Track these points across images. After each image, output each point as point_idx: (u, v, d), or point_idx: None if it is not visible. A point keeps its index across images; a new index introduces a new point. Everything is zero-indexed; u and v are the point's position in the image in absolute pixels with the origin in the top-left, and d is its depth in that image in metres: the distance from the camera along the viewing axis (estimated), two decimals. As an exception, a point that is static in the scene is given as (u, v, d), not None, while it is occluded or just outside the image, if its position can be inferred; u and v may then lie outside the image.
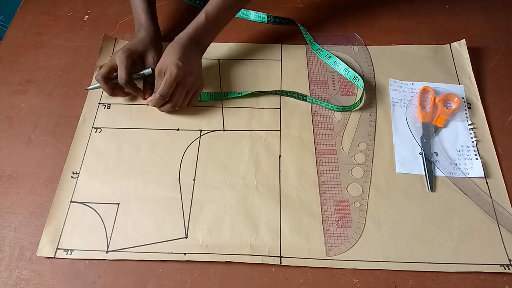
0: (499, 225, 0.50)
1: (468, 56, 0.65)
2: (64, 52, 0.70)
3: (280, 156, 0.57)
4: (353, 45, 0.68)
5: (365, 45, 0.68)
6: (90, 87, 0.62)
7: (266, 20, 0.72)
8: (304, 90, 0.63)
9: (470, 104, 0.61)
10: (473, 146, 0.56)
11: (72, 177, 0.56)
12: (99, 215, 0.52)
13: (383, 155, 0.56)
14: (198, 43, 0.60)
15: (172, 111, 0.61)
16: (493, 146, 0.56)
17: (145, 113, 0.62)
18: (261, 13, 0.72)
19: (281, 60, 0.67)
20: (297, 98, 0.62)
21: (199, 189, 0.54)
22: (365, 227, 0.51)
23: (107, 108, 0.62)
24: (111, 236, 0.51)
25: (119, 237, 0.51)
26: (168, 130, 0.60)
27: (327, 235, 0.50)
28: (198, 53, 0.60)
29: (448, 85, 0.62)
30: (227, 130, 0.59)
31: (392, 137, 0.58)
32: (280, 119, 0.60)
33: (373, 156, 0.56)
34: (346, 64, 0.64)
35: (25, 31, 0.73)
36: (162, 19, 0.71)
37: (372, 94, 0.62)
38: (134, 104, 0.63)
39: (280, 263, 0.49)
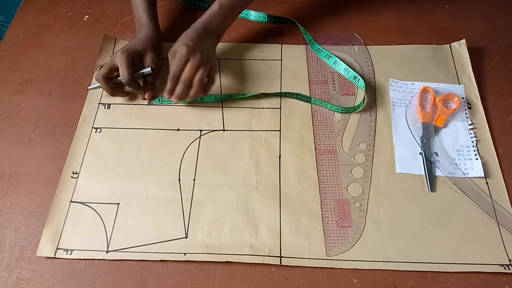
0: (499, 225, 0.50)
1: (468, 56, 0.65)
2: (64, 52, 0.70)
3: (280, 156, 0.57)
4: (353, 45, 0.68)
5: (365, 45, 0.68)
6: (90, 87, 0.62)
7: (266, 20, 0.72)
8: (304, 90, 0.63)
9: (470, 104, 0.61)
10: (473, 146, 0.56)
11: (72, 177, 0.56)
12: (99, 215, 0.52)
13: (383, 155, 0.56)
14: (212, 30, 0.62)
15: (175, 107, 0.61)
16: (493, 146, 0.56)
17: (145, 113, 0.62)
18: (261, 13, 0.72)
19: (281, 60, 0.67)
20: (301, 100, 0.62)
21: (199, 189, 0.54)
22: (365, 227, 0.51)
23: (107, 108, 0.62)
24: (111, 236, 0.51)
25: (119, 237, 0.51)
26: (168, 130, 0.60)
27: (327, 235, 0.50)
28: (211, 38, 0.62)
29: (448, 85, 0.62)
30: (227, 130, 0.59)
31: (392, 137, 0.58)
32: (280, 119, 0.60)
33: (373, 156, 0.56)
34: (346, 64, 0.64)
35: (25, 31, 0.73)
36: (162, 19, 0.71)
37: (372, 94, 0.62)
38: (134, 104, 0.63)
39: (280, 263, 0.49)
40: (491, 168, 0.55)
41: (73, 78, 0.66)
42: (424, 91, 0.61)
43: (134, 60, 0.59)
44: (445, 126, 0.58)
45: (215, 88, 0.64)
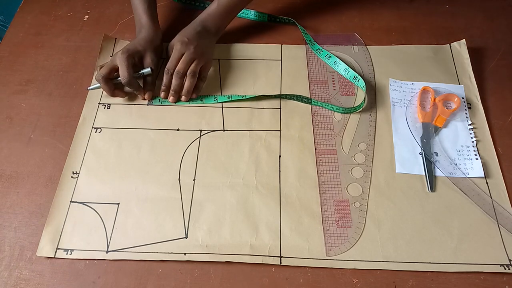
0: (499, 225, 0.50)
1: (468, 56, 0.65)
2: (64, 52, 0.70)
3: (280, 156, 0.57)
4: (353, 45, 0.68)
5: (365, 45, 0.68)
6: (90, 87, 0.62)
7: (266, 20, 0.72)
8: (304, 90, 0.63)
9: (470, 104, 0.61)
10: (473, 146, 0.56)
11: (72, 177, 0.56)
12: (99, 215, 0.52)
13: (383, 155, 0.56)
14: (209, 28, 0.64)
15: (175, 108, 0.61)
16: (493, 146, 0.56)
17: (145, 113, 0.62)
18: (262, 12, 0.72)
19: (281, 60, 0.67)
20: (302, 101, 0.62)
21: (199, 189, 0.54)
22: (365, 227, 0.51)
23: (107, 108, 0.62)
24: (111, 236, 0.51)
25: (119, 237, 0.51)
26: (168, 130, 0.60)
27: (327, 235, 0.50)
28: (208, 36, 0.64)
29: (448, 85, 0.62)
30: (227, 130, 0.59)
31: (392, 137, 0.58)
32: (280, 119, 0.60)
33: (373, 156, 0.56)
34: (346, 64, 0.64)
35: (25, 31, 0.73)
36: (161, 20, 0.71)
37: (372, 94, 0.62)
38: (134, 104, 0.63)
39: (280, 263, 0.49)
40: (491, 168, 0.55)
41: (73, 78, 0.66)
42: (424, 91, 0.61)
43: (135, 60, 0.59)
44: (445, 126, 0.58)
45: (215, 88, 0.64)
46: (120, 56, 0.58)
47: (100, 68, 0.60)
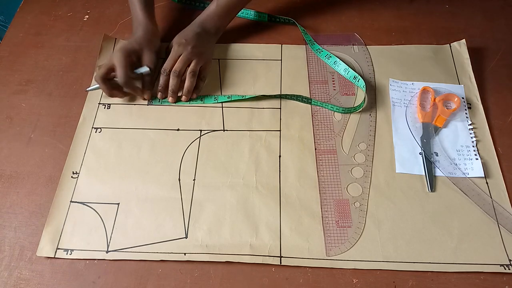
0: (499, 225, 0.50)
1: (468, 56, 0.65)
2: (64, 52, 0.70)
3: (280, 156, 0.57)
4: (353, 45, 0.68)
5: (365, 45, 0.68)
6: (89, 88, 0.62)
7: (266, 20, 0.72)
8: (304, 90, 0.63)
9: (470, 104, 0.61)
10: (473, 146, 0.56)
11: (72, 177, 0.56)
12: (99, 215, 0.52)
13: (383, 155, 0.56)
14: (208, 29, 0.64)
15: (175, 108, 0.61)
16: (493, 146, 0.56)
17: (145, 113, 0.62)
18: (261, 12, 0.72)
19: (281, 60, 0.67)
20: (302, 101, 0.62)
21: (199, 189, 0.54)
22: (365, 227, 0.51)
23: (107, 108, 0.62)
24: (111, 236, 0.51)
25: (119, 237, 0.51)
26: (168, 130, 0.60)
27: (327, 235, 0.50)
28: (207, 37, 0.64)
29: (448, 85, 0.62)
30: (227, 130, 0.59)
31: (392, 137, 0.58)
32: (280, 119, 0.60)
33: (373, 156, 0.56)
34: (346, 64, 0.64)
35: (25, 31, 0.73)
36: (160, 20, 0.71)
37: (372, 94, 0.62)
38: (134, 104, 0.63)
39: (280, 263, 0.49)
40: (491, 168, 0.55)
41: (73, 78, 0.66)
42: (424, 91, 0.61)
43: (132, 59, 0.59)
44: (445, 126, 0.58)
45: (215, 88, 0.64)
46: (117, 55, 0.57)
47: (99, 68, 0.59)
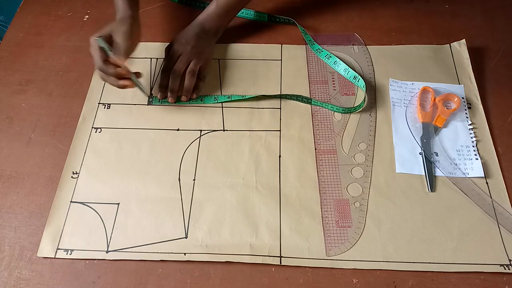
0: (499, 225, 0.50)
1: (468, 56, 0.65)
2: (64, 52, 0.70)
3: (280, 156, 0.57)
4: (353, 45, 0.68)
5: (365, 45, 0.68)
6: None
7: (266, 20, 0.72)
8: (304, 90, 0.63)
9: (470, 104, 0.61)
10: (473, 146, 0.56)
11: (72, 177, 0.56)
12: (99, 215, 0.52)
13: (383, 155, 0.56)
14: (208, 29, 0.63)
15: (175, 108, 0.61)
16: (493, 146, 0.56)
17: (145, 113, 0.62)
18: (261, 12, 0.72)
19: (281, 60, 0.67)
20: (302, 101, 0.62)
21: (199, 189, 0.54)
22: (365, 227, 0.51)
23: (107, 108, 0.62)
24: (111, 236, 0.51)
25: (119, 237, 0.51)
26: (168, 130, 0.60)
27: (327, 235, 0.50)
28: (207, 37, 0.63)
29: (448, 85, 0.62)
30: (227, 130, 0.59)
31: (392, 137, 0.58)
32: (280, 119, 0.60)
33: (373, 156, 0.56)
34: (346, 64, 0.64)
35: (25, 31, 0.73)
36: (160, 20, 0.71)
37: (372, 94, 0.62)
38: (134, 104, 0.63)
39: (280, 263, 0.49)
40: (491, 168, 0.55)
41: (73, 78, 0.66)
42: (424, 91, 0.61)
43: (107, 41, 0.55)
44: (445, 126, 0.58)
45: (215, 88, 0.64)
46: (90, 41, 0.54)
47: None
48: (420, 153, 0.56)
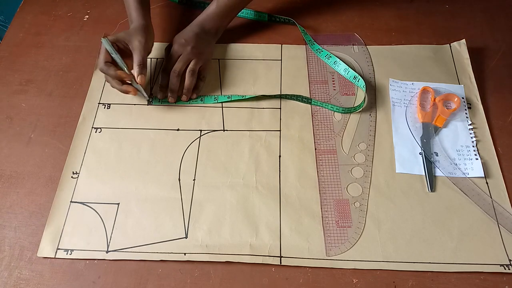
0: (499, 225, 0.50)
1: (468, 56, 0.65)
2: (64, 52, 0.70)
3: (280, 156, 0.57)
4: (353, 45, 0.68)
5: (365, 45, 0.68)
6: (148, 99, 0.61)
7: (266, 19, 0.72)
8: (304, 90, 0.63)
9: (470, 104, 0.61)
10: (473, 146, 0.56)
11: (72, 177, 0.56)
12: (99, 215, 0.52)
13: (383, 155, 0.56)
14: (208, 29, 0.64)
15: (175, 108, 0.61)
16: (493, 146, 0.56)
17: (145, 113, 0.62)
18: (261, 12, 0.72)
19: (281, 60, 0.67)
20: (302, 101, 0.62)
21: (199, 189, 0.54)
22: (365, 227, 0.51)
23: (107, 108, 0.62)
24: (111, 236, 0.51)
25: (119, 237, 0.51)
26: (168, 130, 0.60)
27: (327, 235, 0.50)
28: (207, 37, 0.63)
29: (448, 85, 0.62)
30: (227, 130, 0.59)
31: (392, 137, 0.58)
32: (280, 119, 0.60)
33: (373, 156, 0.56)
34: (346, 64, 0.64)
35: (25, 31, 0.73)
36: (160, 20, 0.71)
37: (372, 94, 0.62)
38: (134, 104, 0.63)
39: (280, 263, 0.49)
40: (491, 168, 0.55)
41: (73, 78, 0.66)
42: (424, 91, 0.61)
43: (119, 47, 0.57)
44: (445, 126, 0.58)
45: (215, 88, 0.64)
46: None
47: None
48: (420, 153, 0.56)
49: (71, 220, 0.52)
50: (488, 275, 0.47)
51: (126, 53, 0.58)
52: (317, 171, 0.55)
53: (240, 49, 0.68)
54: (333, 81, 0.64)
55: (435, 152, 0.56)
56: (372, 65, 0.65)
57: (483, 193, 0.52)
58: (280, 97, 0.62)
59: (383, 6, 0.74)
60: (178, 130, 0.60)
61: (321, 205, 0.53)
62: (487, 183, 0.54)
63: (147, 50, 0.59)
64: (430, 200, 0.52)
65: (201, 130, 0.59)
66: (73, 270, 0.49)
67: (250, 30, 0.71)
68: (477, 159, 0.55)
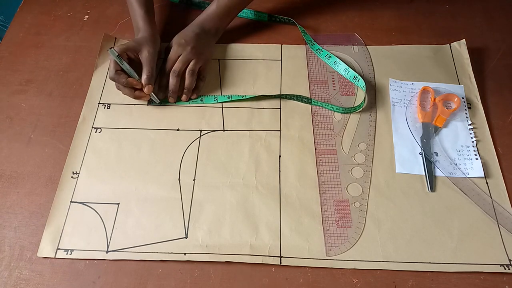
0: (499, 225, 0.50)
1: (468, 56, 0.65)
2: (64, 52, 0.70)
3: (280, 156, 0.57)
4: (353, 45, 0.68)
5: (365, 45, 0.68)
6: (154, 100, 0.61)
7: (266, 19, 0.72)
8: (304, 90, 0.63)
9: (470, 104, 0.61)
10: (473, 146, 0.56)
11: (72, 177, 0.56)
12: (99, 215, 0.52)
13: (383, 155, 0.56)
14: (208, 30, 0.64)
15: (175, 108, 0.61)
16: (493, 146, 0.56)
17: (145, 113, 0.62)
18: (261, 12, 0.72)
19: (281, 60, 0.67)
20: (302, 101, 0.62)
21: (199, 189, 0.54)
22: (365, 227, 0.51)
23: (107, 108, 0.62)
24: (111, 236, 0.51)
25: (119, 237, 0.51)
26: (168, 130, 0.60)
27: (327, 235, 0.50)
28: (207, 37, 0.63)
29: (448, 85, 0.62)
30: (227, 130, 0.59)
31: (392, 137, 0.58)
32: (280, 119, 0.60)
33: (373, 156, 0.56)
34: (346, 64, 0.64)
35: (25, 31, 0.73)
36: (160, 20, 0.71)
37: (372, 94, 0.62)
38: (134, 104, 0.62)
39: (280, 263, 0.49)
40: (491, 168, 0.55)
41: (73, 78, 0.66)
42: (424, 91, 0.61)
43: (129, 56, 0.58)
44: (445, 126, 0.58)
45: (215, 88, 0.64)
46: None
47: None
48: (420, 153, 0.56)
49: (71, 220, 0.52)
50: (488, 275, 0.47)
51: (135, 61, 0.59)
52: (317, 171, 0.55)
53: (240, 49, 0.69)
54: (333, 81, 0.64)
55: (435, 152, 0.56)
56: (372, 65, 0.66)
57: (483, 193, 0.52)
58: (280, 97, 0.62)
59: (383, 6, 0.74)
60: (178, 130, 0.60)
61: (321, 205, 0.53)
62: (487, 183, 0.54)
63: (155, 60, 0.61)
64: (430, 200, 0.52)
65: (201, 130, 0.59)
66: (73, 270, 0.49)
67: (250, 30, 0.71)
68: (477, 159, 0.55)
